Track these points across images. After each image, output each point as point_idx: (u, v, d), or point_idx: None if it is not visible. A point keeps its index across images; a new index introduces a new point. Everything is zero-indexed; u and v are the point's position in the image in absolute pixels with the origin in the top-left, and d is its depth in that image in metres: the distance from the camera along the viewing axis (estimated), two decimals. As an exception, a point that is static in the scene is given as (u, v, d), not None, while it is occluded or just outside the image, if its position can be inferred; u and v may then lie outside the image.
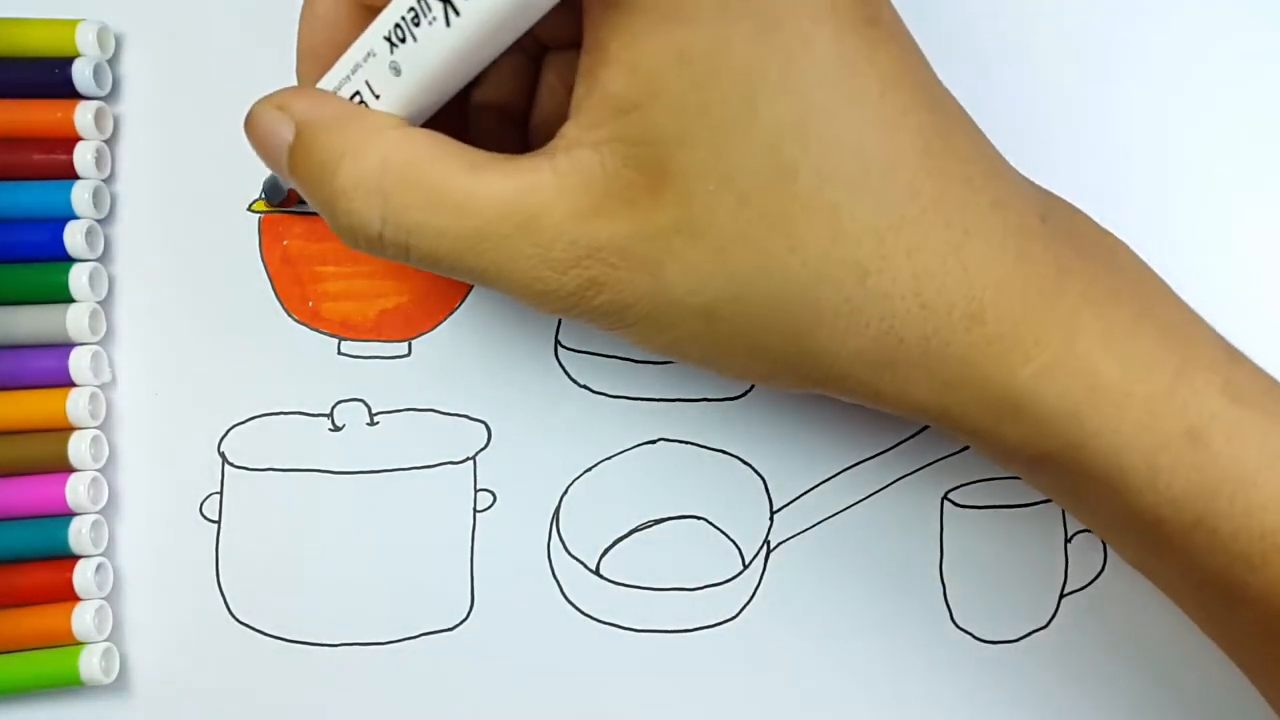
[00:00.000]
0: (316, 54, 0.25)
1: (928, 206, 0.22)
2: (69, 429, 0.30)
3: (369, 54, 0.23)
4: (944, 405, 0.23)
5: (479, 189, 0.22)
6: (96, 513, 0.30)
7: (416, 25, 0.21)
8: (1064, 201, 0.25)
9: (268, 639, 0.30)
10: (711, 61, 0.21)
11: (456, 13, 0.21)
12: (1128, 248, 0.25)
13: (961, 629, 0.30)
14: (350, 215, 0.22)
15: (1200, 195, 0.30)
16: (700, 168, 0.21)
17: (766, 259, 0.22)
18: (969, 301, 0.22)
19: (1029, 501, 0.30)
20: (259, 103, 0.24)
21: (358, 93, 0.23)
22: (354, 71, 0.23)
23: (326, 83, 0.24)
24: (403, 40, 0.22)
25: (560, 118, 0.23)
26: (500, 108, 0.27)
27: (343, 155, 0.22)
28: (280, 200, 0.31)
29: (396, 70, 0.22)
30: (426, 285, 0.31)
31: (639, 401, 0.31)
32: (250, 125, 0.24)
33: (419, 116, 0.23)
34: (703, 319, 0.23)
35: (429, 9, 0.21)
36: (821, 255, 0.22)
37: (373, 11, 0.24)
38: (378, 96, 0.23)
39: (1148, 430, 0.22)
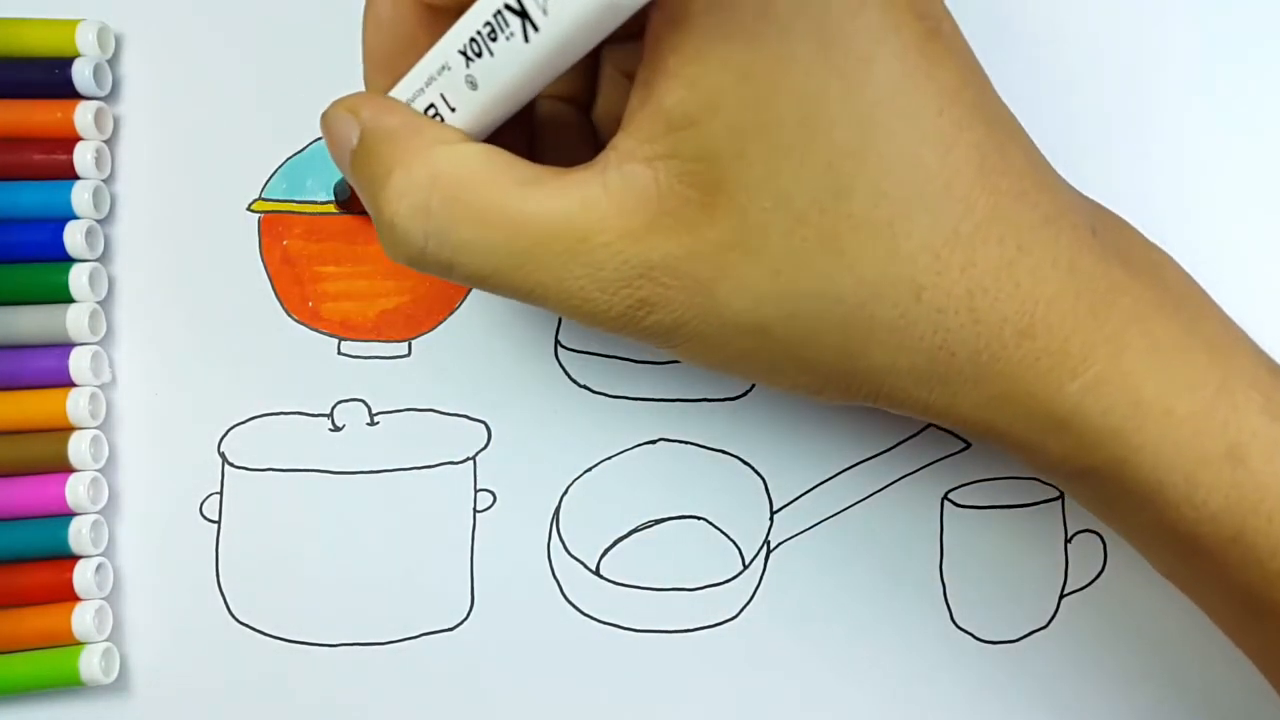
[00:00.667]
0: (383, 59, 0.24)
1: (982, 223, 0.22)
2: (69, 429, 0.30)
3: (443, 67, 0.22)
4: (990, 419, 0.23)
5: (528, 206, 0.22)
6: (96, 513, 0.30)
7: (493, 40, 0.21)
8: (1113, 214, 0.25)
9: (268, 639, 0.30)
10: (772, 80, 0.21)
11: (535, 29, 0.20)
12: (1174, 262, 0.25)
13: (961, 629, 0.30)
14: (395, 229, 0.22)
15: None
16: (756, 185, 0.21)
17: (822, 277, 0.22)
18: (1020, 317, 0.22)
19: (1029, 501, 0.30)
20: (334, 103, 0.24)
21: (432, 105, 0.23)
22: (428, 84, 0.23)
23: (399, 92, 0.24)
24: (479, 55, 0.22)
25: (623, 105, 0.22)
26: (564, 99, 0.27)
27: (394, 166, 0.22)
28: (346, 201, 0.31)
29: (472, 84, 0.22)
30: (426, 285, 0.31)
31: (639, 401, 0.31)
32: (323, 124, 0.24)
33: (492, 127, 0.23)
34: (755, 337, 0.22)
35: (506, 25, 0.21)
36: (877, 273, 0.22)
37: (437, 11, 0.23)
38: (453, 110, 0.23)
39: (1188, 447, 0.22)
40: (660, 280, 0.22)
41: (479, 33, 0.21)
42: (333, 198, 0.31)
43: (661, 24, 0.21)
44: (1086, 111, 0.31)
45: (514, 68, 0.21)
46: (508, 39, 0.21)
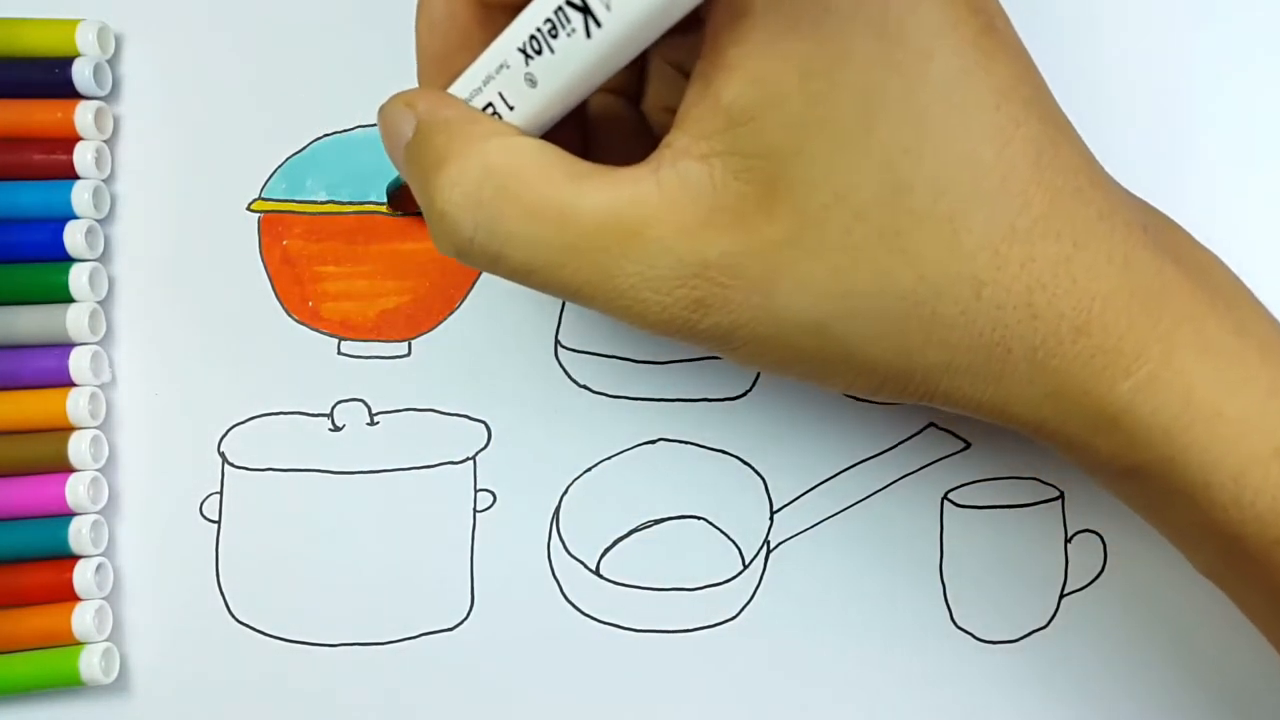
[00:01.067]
0: (437, 59, 0.24)
1: (1039, 218, 0.22)
2: (69, 429, 0.30)
3: (502, 65, 0.22)
4: (1043, 417, 0.23)
5: (579, 200, 0.21)
6: (96, 513, 0.30)
7: (554, 37, 0.21)
8: (1161, 213, 0.25)
9: (268, 639, 0.30)
10: (833, 76, 0.20)
11: (598, 24, 0.20)
12: (1222, 262, 0.25)
13: (961, 629, 0.30)
14: (445, 218, 0.22)
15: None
16: (815, 182, 0.21)
17: (883, 274, 0.21)
18: (1077, 313, 0.22)
19: (1029, 501, 0.30)
20: (391, 97, 0.24)
21: (490, 104, 0.23)
22: (486, 83, 0.23)
23: (457, 90, 0.24)
24: (539, 52, 0.21)
25: (672, 96, 0.22)
26: (614, 92, 0.27)
27: (446, 158, 0.22)
28: (399, 204, 0.31)
29: (532, 82, 0.22)
30: (426, 285, 0.31)
31: (639, 401, 0.31)
32: (380, 117, 0.24)
33: (549, 125, 0.23)
34: (814, 336, 0.22)
35: (568, 21, 0.21)
36: (938, 270, 0.21)
37: (492, 9, 0.23)
38: (512, 108, 0.23)
39: (1236, 448, 0.22)
40: (717, 280, 0.21)
41: (539, 30, 0.21)
42: (383, 199, 0.31)
43: (723, 17, 0.21)
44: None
45: (575, 64, 0.21)
46: (569, 35, 0.21)
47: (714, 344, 0.23)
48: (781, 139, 0.21)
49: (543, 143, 0.22)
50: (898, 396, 0.23)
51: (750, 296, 0.22)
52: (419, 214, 0.30)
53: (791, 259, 0.21)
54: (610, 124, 0.27)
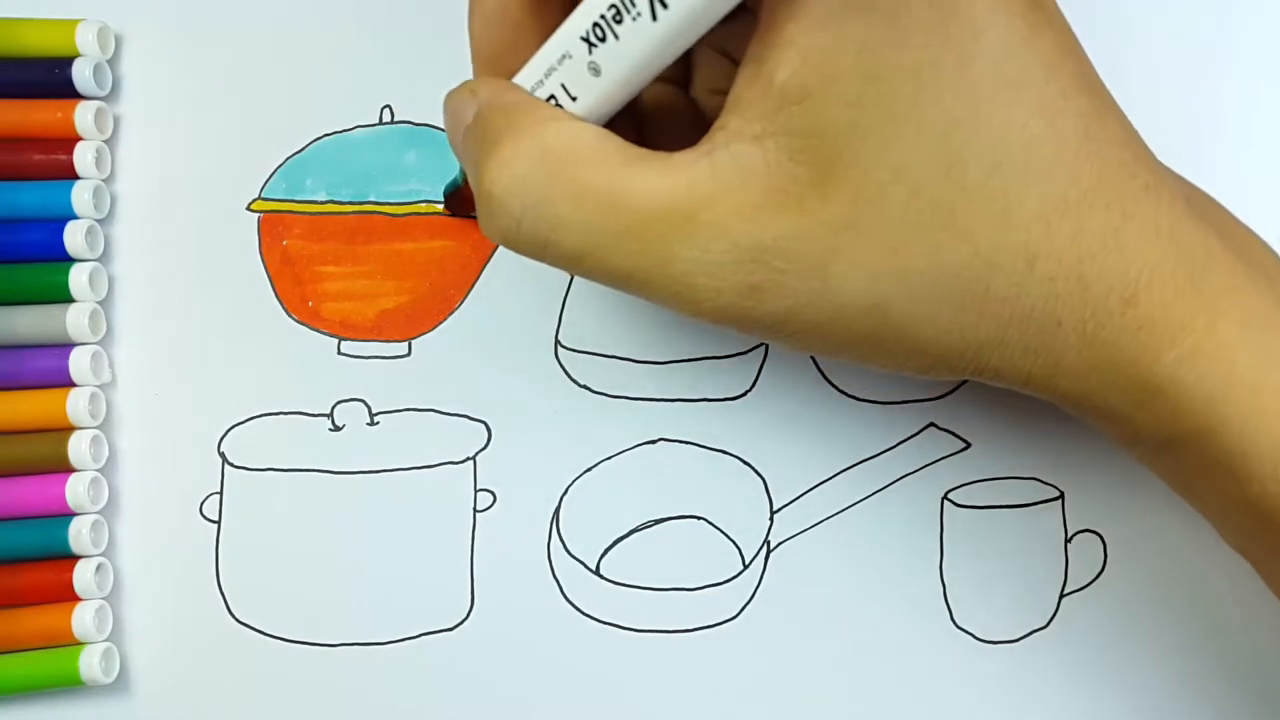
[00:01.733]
0: (492, 55, 0.24)
1: (1089, 190, 0.22)
2: (69, 429, 0.30)
3: (564, 56, 0.22)
4: (1089, 388, 0.23)
5: (631, 185, 0.21)
6: (96, 513, 0.30)
7: (619, 23, 0.21)
8: (1199, 189, 0.26)
9: (268, 639, 0.30)
10: (889, 52, 0.20)
11: (664, 5, 0.20)
12: (1260, 238, 0.25)
13: (961, 629, 0.30)
14: (492, 199, 0.22)
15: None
16: (871, 160, 0.21)
17: (939, 250, 0.21)
18: (1125, 285, 0.22)
19: (1029, 501, 0.30)
20: (458, 85, 0.24)
21: (553, 96, 0.23)
22: (548, 75, 0.22)
23: (519, 83, 0.23)
24: (602, 39, 0.21)
25: (722, 80, 0.22)
26: (664, 80, 0.27)
27: (502, 139, 0.22)
28: (456, 206, 0.30)
29: (596, 70, 0.22)
30: (426, 285, 0.31)
31: (639, 401, 0.31)
32: (445, 104, 0.24)
33: (609, 115, 0.23)
34: (869, 318, 0.22)
35: (633, 4, 0.20)
36: (993, 243, 0.21)
37: (546, 3, 0.23)
38: (575, 99, 0.22)
39: (1276, 420, 0.22)
40: (773, 265, 0.21)
41: (603, 16, 0.21)
42: (444, 197, 0.31)
43: None
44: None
45: (641, 48, 0.21)
46: (634, 19, 0.20)
47: (768, 331, 0.23)
48: (837, 117, 0.21)
49: (600, 129, 0.22)
50: (948, 374, 0.23)
51: (806, 281, 0.22)
52: (474, 216, 0.30)
53: (848, 240, 0.21)
54: (663, 112, 0.26)
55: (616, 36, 0.21)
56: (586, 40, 0.21)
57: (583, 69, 0.22)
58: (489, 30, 0.24)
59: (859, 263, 0.21)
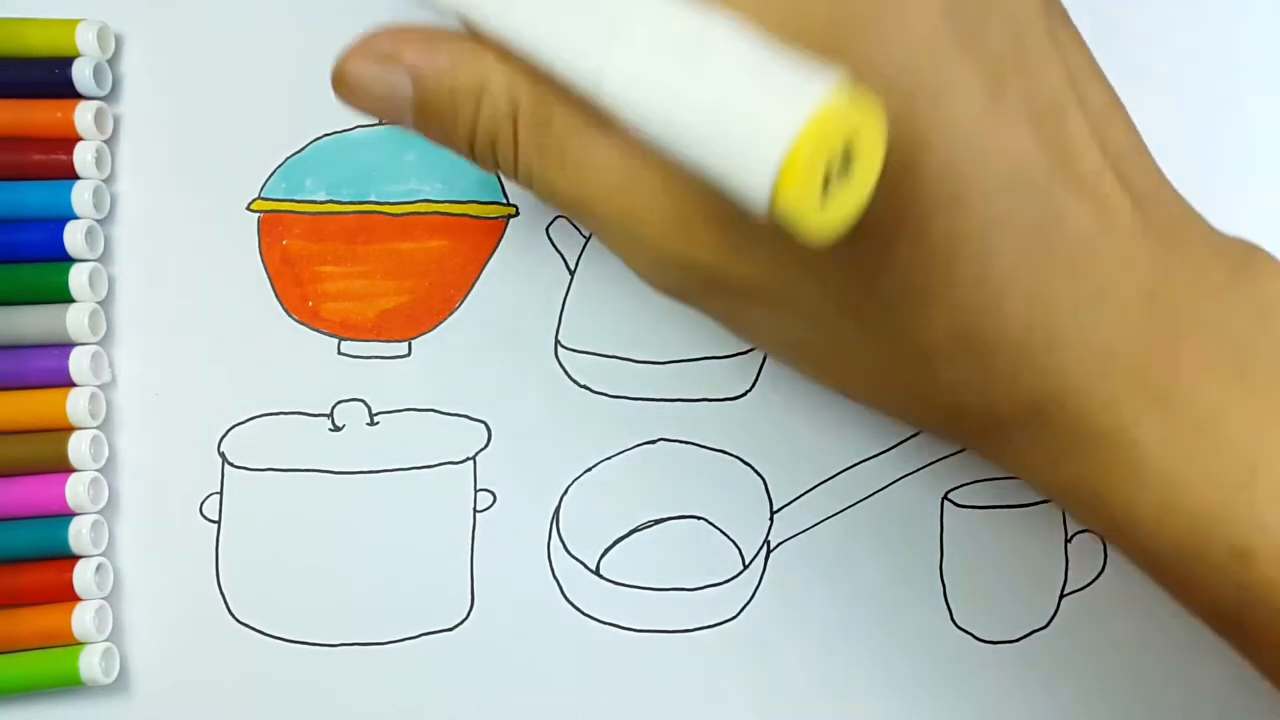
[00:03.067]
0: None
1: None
2: (69, 429, 0.30)
3: None
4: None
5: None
6: (96, 513, 0.30)
7: None
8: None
9: (268, 639, 0.30)
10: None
11: None
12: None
13: (961, 629, 0.30)
14: (485, 151, 0.22)
15: None
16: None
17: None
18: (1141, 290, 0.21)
19: (1029, 501, 0.30)
20: (352, 58, 0.22)
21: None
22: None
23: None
24: None
25: None
26: None
27: (479, 94, 0.21)
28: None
29: None
30: (426, 285, 0.31)
31: (639, 401, 0.31)
32: (350, 85, 0.22)
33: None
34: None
35: None
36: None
37: None
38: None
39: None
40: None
41: None
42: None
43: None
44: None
45: None
46: None
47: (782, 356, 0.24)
48: None
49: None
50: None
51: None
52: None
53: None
54: None
55: None
56: None
57: None
58: None
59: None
